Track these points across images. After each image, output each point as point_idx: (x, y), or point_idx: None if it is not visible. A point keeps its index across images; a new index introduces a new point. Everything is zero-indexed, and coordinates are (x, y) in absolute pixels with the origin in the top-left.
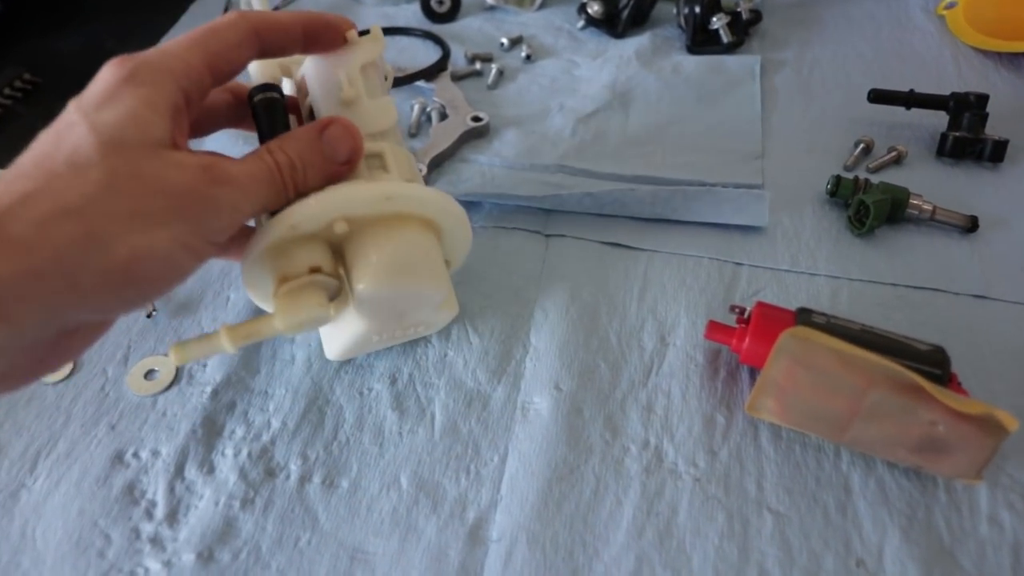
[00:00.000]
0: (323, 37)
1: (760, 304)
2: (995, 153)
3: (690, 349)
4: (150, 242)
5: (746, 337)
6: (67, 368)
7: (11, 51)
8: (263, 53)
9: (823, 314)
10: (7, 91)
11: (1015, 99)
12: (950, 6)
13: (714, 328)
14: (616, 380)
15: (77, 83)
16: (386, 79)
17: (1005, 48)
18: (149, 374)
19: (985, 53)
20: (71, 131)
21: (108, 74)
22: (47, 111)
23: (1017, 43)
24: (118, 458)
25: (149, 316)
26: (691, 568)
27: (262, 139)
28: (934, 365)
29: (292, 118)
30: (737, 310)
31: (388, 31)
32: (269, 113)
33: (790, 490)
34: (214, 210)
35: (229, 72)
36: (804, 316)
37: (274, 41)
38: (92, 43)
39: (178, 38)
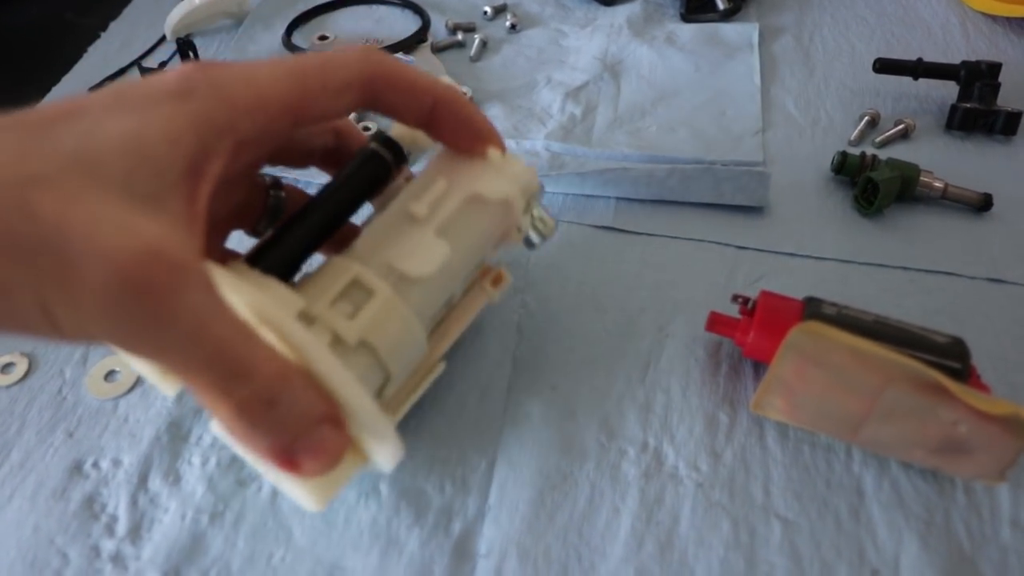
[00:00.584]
0: (455, 130)
1: (764, 293)
2: (1008, 125)
3: (690, 341)
4: None
5: (750, 330)
6: (21, 370)
7: None
8: (371, 107)
9: (833, 304)
10: None
11: None
12: None
13: (716, 320)
14: (612, 377)
15: (34, 58)
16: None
17: (1016, 13)
18: (110, 375)
19: (994, 19)
20: (69, 117)
21: (172, 78)
22: (1, 89)
23: None
24: (76, 468)
25: None
26: None
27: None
28: (954, 359)
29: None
30: (740, 300)
31: (364, 0)
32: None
33: (799, 495)
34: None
35: (318, 117)
36: (813, 307)
37: (390, 101)
38: (50, 14)
39: (281, 61)
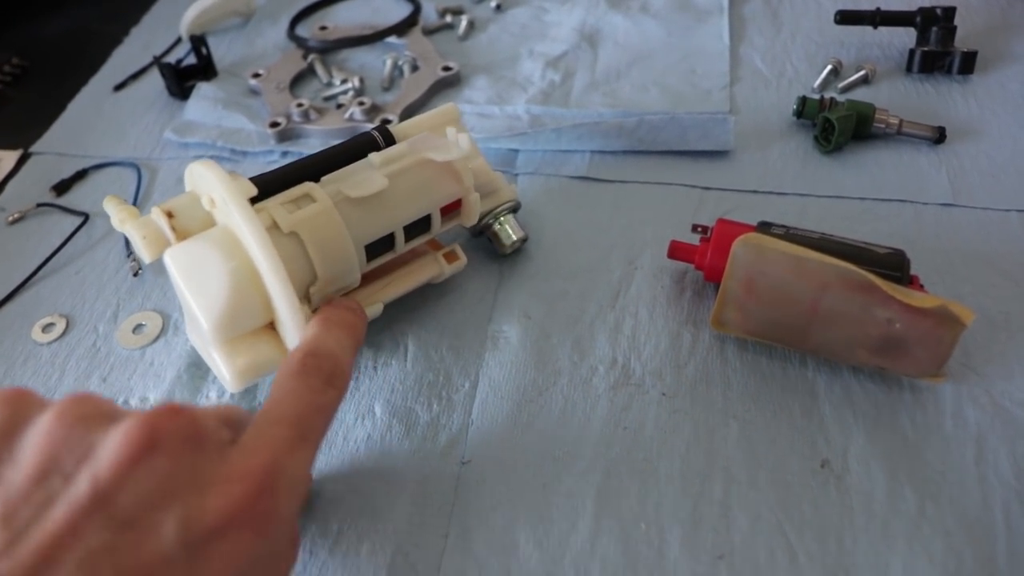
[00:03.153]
0: None
1: (721, 221)
2: (964, 65)
3: (657, 271)
4: None
5: (708, 253)
6: (60, 328)
7: (0, 36)
8: None
9: (782, 226)
10: None
11: (985, 10)
12: None
13: (676, 247)
14: (584, 305)
15: (64, 65)
16: None
17: None
18: (137, 328)
19: None
20: None
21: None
22: (36, 94)
23: None
24: None
25: (136, 275)
26: (658, 476)
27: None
28: (893, 268)
29: None
30: (700, 229)
31: None
32: None
33: (756, 398)
34: None
35: None
36: (763, 228)
37: None
38: (78, 25)
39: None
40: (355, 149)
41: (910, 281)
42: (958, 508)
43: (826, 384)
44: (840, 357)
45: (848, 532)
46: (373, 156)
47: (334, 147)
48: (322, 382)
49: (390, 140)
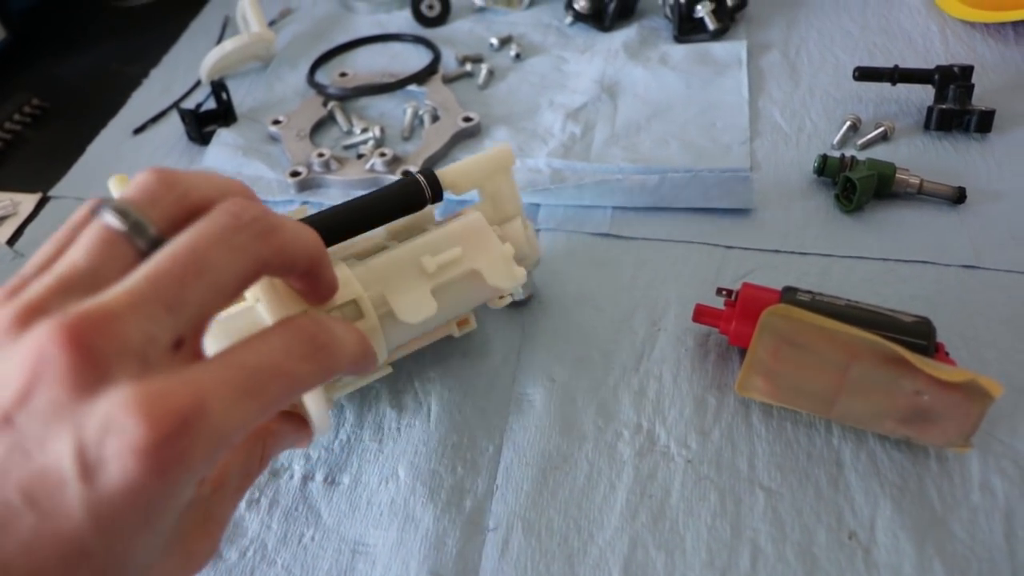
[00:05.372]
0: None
1: (746, 285)
2: (982, 124)
3: (681, 334)
4: None
5: (733, 319)
6: None
7: (19, 77)
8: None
9: (808, 292)
10: (16, 116)
11: (1003, 69)
12: None
13: (701, 311)
14: (608, 367)
15: (83, 105)
16: None
17: (991, 19)
18: None
19: (972, 25)
20: None
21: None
22: (55, 135)
23: (1002, 13)
24: None
25: None
26: (684, 547)
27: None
28: (919, 336)
29: None
30: (724, 292)
31: (381, 38)
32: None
33: (781, 467)
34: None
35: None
36: (789, 295)
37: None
38: (97, 65)
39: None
40: (402, 198)
41: (936, 349)
42: None
43: (852, 452)
44: (867, 426)
45: None
46: (425, 255)
47: (380, 193)
48: (304, 350)
49: (436, 187)
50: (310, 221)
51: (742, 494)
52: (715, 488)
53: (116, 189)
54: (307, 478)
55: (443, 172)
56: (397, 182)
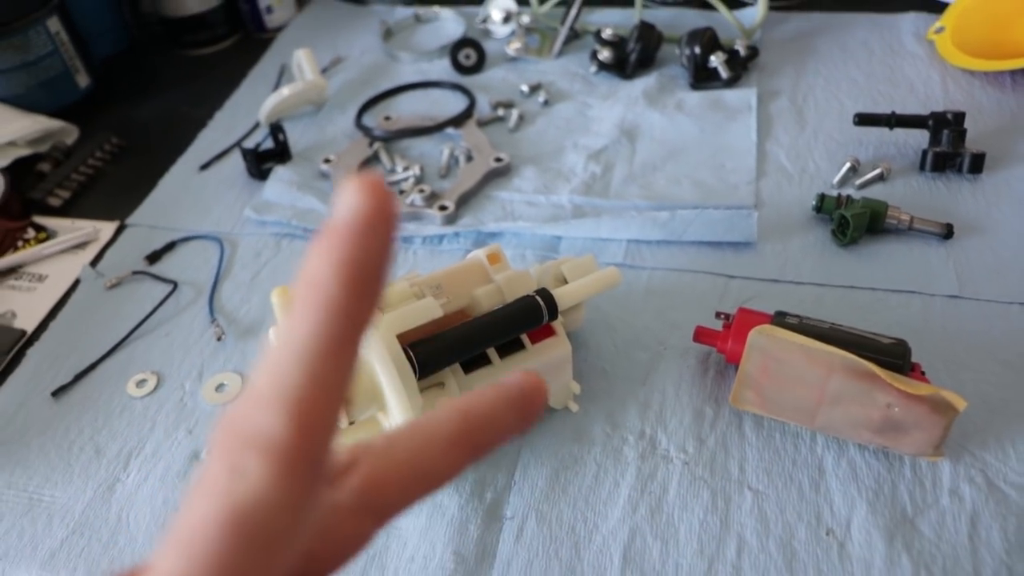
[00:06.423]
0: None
1: (741, 310)
2: (973, 165)
3: (684, 353)
4: None
5: (729, 339)
6: (152, 384)
7: (100, 119)
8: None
9: (797, 316)
10: (98, 153)
11: (998, 114)
12: (939, 31)
13: (701, 332)
14: (617, 381)
15: (156, 144)
16: None
17: (989, 67)
18: (220, 387)
19: (972, 73)
20: None
21: None
22: (131, 169)
23: (1000, 62)
24: (195, 456)
25: (219, 339)
26: (678, 538)
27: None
28: (894, 356)
29: None
30: (722, 316)
31: (422, 85)
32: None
33: (769, 471)
34: None
35: None
36: (779, 318)
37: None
38: (168, 108)
39: None
40: (520, 317)
41: (911, 369)
42: None
43: (834, 460)
44: (846, 435)
45: None
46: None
47: (501, 313)
48: (242, 453)
49: (551, 305)
50: (438, 341)
51: (732, 493)
52: (708, 488)
53: (278, 301)
54: None
55: (559, 293)
56: (516, 302)
